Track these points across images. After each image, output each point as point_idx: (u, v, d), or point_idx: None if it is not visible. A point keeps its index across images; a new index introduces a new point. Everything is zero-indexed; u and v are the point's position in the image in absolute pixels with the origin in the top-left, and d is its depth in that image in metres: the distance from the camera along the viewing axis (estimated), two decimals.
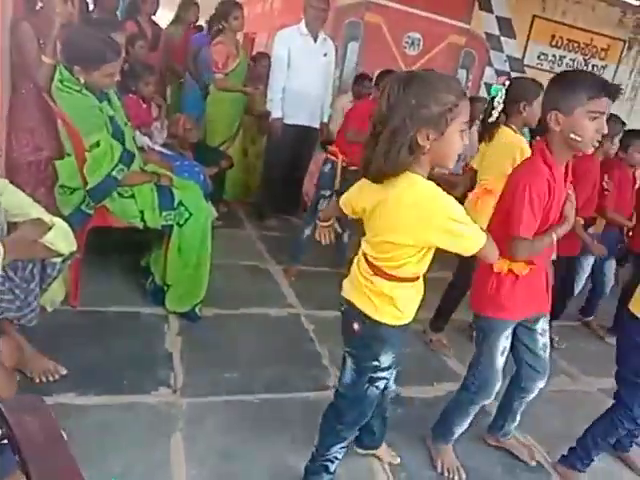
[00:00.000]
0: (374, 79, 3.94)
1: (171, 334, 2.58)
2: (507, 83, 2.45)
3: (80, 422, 1.87)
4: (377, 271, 1.50)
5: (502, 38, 5.76)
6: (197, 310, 2.71)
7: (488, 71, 5.82)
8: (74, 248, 1.96)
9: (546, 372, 2.01)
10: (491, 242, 1.46)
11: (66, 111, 2.40)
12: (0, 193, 1.82)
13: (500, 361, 1.91)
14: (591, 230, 3.20)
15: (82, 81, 2.38)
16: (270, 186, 4.46)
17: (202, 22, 5.23)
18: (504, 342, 1.89)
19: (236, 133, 4.47)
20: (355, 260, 1.61)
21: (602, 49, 6.15)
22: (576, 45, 6.04)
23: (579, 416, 2.26)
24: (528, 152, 2.39)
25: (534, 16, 5.80)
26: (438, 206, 1.37)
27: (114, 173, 2.45)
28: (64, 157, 2.50)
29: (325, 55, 4.12)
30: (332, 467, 1.75)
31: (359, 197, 1.56)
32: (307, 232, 3.42)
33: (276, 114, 4.09)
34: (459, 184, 2.99)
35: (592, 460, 2.09)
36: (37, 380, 2.04)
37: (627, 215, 3.40)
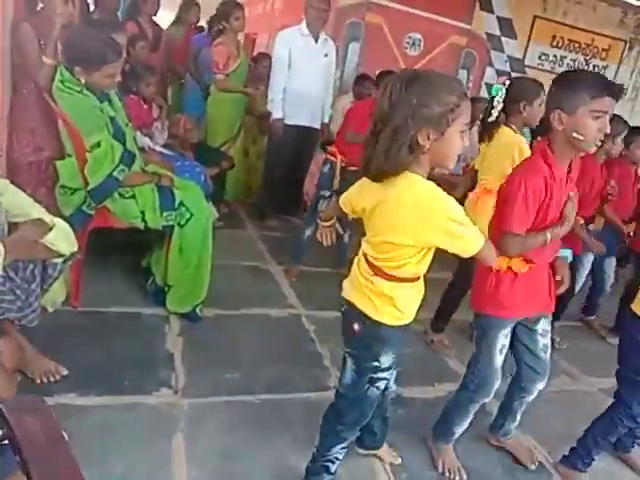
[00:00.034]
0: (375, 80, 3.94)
1: (172, 335, 2.58)
2: (507, 83, 2.44)
3: (81, 423, 1.87)
4: (377, 271, 1.50)
5: (503, 38, 5.76)
6: (198, 310, 2.71)
7: (489, 71, 5.81)
8: (75, 249, 1.96)
9: (546, 373, 2.01)
10: (490, 245, 1.47)
11: (67, 112, 2.40)
12: (1, 193, 1.82)
13: (499, 359, 1.91)
14: (591, 227, 3.20)
15: (83, 82, 2.38)
16: (271, 186, 4.46)
17: (203, 23, 5.23)
18: (503, 340, 1.89)
19: (237, 134, 4.48)
20: (355, 260, 1.61)
21: (603, 49, 6.14)
22: (577, 45, 6.04)
23: (580, 416, 2.26)
24: (527, 152, 2.39)
25: (535, 16, 5.79)
26: (438, 206, 1.37)
27: (115, 174, 2.45)
28: (65, 157, 2.50)
29: (326, 55, 4.12)
30: (333, 467, 1.75)
31: (359, 197, 1.56)
32: (308, 233, 3.42)
33: (277, 114, 4.09)
34: (459, 185, 2.99)
35: (593, 460, 2.09)
36: (38, 380, 2.05)
37: (627, 213, 3.40)
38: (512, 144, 2.47)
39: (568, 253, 1.79)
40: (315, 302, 3.15)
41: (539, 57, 5.95)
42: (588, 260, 3.28)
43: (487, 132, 2.57)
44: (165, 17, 5.40)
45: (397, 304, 1.51)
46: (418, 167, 1.39)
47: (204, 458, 1.87)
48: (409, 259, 1.45)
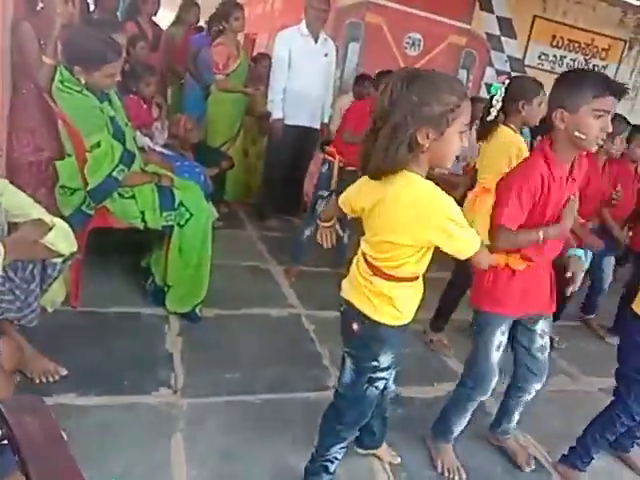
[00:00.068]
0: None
1: (172, 335, 2.58)
2: (506, 82, 2.44)
3: (80, 423, 1.87)
4: (376, 271, 1.50)
5: (503, 38, 5.76)
6: (198, 310, 2.71)
7: (489, 71, 5.81)
8: (74, 249, 1.96)
9: (543, 374, 2.01)
10: (485, 249, 1.47)
11: (67, 111, 2.40)
12: (0, 193, 1.82)
13: (495, 356, 1.91)
14: (589, 225, 3.19)
15: (83, 81, 2.38)
16: (271, 187, 4.46)
17: (203, 23, 5.24)
18: (499, 337, 1.89)
19: (237, 134, 4.48)
20: (354, 260, 1.61)
21: (603, 49, 6.14)
22: (577, 45, 6.04)
23: (579, 416, 2.26)
24: (525, 151, 2.40)
25: (535, 16, 5.80)
26: (437, 205, 1.37)
27: (115, 174, 2.45)
28: (65, 157, 2.50)
29: (326, 55, 4.12)
30: (332, 467, 1.75)
31: (358, 196, 1.56)
32: (307, 233, 3.42)
33: (277, 115, 4.09)
34: (460, 185, 2.99)
35: (592, 458, 2.09)
36: (37, 381, 2.05)
37: (627, 212, 3.40)
38: (510, 143, 2.47)
39: (581, 253, 1.77)
40: (315, 302, 3.15)
41: (539, 57, 5.95)
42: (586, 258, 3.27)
43: (486, 131, 2.57)
44: (165, 17, 5.40)
45: (396, 304, 1.51)
46: (417, 166, 1.39)
47: (203, 458, 1.87)
48: (408, 259, 1.46)
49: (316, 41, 4.03)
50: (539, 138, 3.43)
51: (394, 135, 1.32)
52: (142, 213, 2.57)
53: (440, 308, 2.95)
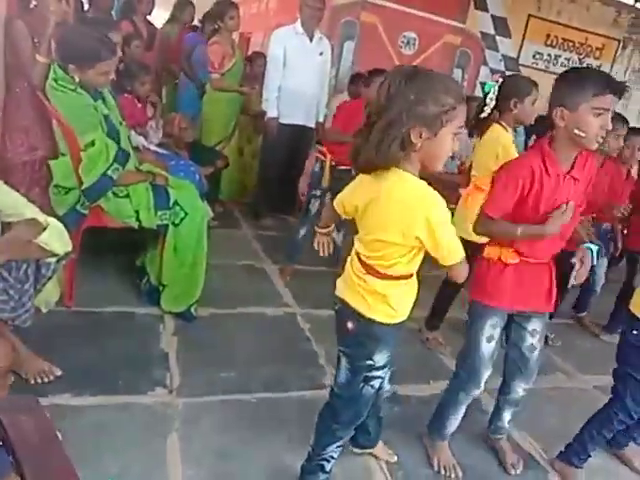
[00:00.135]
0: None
1: (167, 334, 2.57)
2: (500, 80, 2.46)
3: (75, 423, 1.87)
4: (369, 270, 1.51)
5: (497, 37, 5.77)
6: (193, 310, 2.70)
7: (483, 70, 5.82)
8: (69, 248, 1.95)
9: (530, 375, 2.01)
10: (465, 263, 1.47)
11: (61, 110, 2.39)
12: None
13: (486, 348, 1.92)
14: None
15: (77, 80, 2.37)
16: (266, 185, 4.45)
17: (197, 22, 5.22)
18: (490, 330, 1.90)
19: (232, 133, 4.47)
20: (349, 259, 1.62)
21: (597, 48, 6.17)
22: (571, 44, 6.06)
23: (575, 413, 2.27)
24: (510, 150, 2.41)
25: (529, 15, 5.82)
26: (427, 203, 1.38)
27: (109, 172, 2.44)
28: (59, 157, 2.49)
29: (321, 54, 4.11)
30: (328, 466, 1.75)
31: (352, 196, 1.56)
32: (302, 232, 3.42)
33: (272, 113, 4.09)
34: (460, 184, 2.99)
35: (589, 456, 2.10)
36: (32, 381, 2.03)
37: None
38: (496, 141, 2.49)
39: (595, 248, 1.76)
40: (310, 301, 3.15)
41: (533, 56, 5.97)
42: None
43: (478, 128, 2.59)
44: (160, 16, 5.38)
45: (390, 302, 1.51)
46: (409, 164, 1.39)
47: (199, 457, 1.86)
48: (399, 258, 1.46)
49: (311, 40, 4.03)
50: (534, 137, 3.45)
51: (388, 131, 1.32)
52: (137, 212, 2.56)
53: (435, 307, 2.95)
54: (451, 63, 5.61)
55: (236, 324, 2.80)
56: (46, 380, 2.06)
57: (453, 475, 2.02)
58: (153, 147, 3.32)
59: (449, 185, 3.22)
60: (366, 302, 1.52)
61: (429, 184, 1.40)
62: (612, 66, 6.26)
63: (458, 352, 2.05)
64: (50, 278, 1.96)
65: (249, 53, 5.49)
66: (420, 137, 1.34)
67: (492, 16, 5.66)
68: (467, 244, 2.45)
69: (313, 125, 4.28)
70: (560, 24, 5.93)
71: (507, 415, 2.13)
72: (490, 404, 2.26)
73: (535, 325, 1.95)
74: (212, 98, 4.27)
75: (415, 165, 1.41)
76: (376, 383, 1.65)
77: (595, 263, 1.76)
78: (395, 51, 5.36)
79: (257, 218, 4.48)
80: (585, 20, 5.96)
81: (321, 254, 1.86)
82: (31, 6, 2.65)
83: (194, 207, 2.66)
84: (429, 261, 1.53)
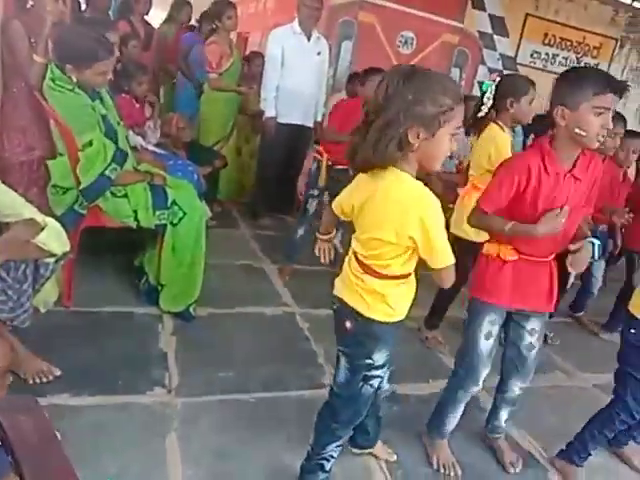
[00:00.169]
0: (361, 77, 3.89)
1: (165, 334, 2.57)
2: (497, 79, 2.46)
3: (74, 423, 1.86)
4: (367, 269, 1.51)
5: (495, 36, 5.78)
6: (191, 310, 2.70)
7: (481, 70, 5.83)
8: (67, 248, 1.95)
9: (526, 373, 2.01)
10: (452, 269, 1.46)
11: (58, 110, 2.38)
12: None
13: (484, 345, 1.92)
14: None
15: (74, 80, 2.37)
16: (264, 185, 4.45)
17: (194, 22, 5.22)
18: (488, 326, 1.91)
19: (230, 132, 4.47)
20: (347, 259, 1.62)
21: (594, 47, 6.18)
22: (569, 43, 6.07)
23: (575, 412, 2.27)
24: (504, 150, 2.41)
25: (527, 14, 5.82)
26: (423, 204, 1.38)
27: (107, 172, 2.44)
28: (56, 157, 2.48)
29: (319, 54, 4.11)
30: (328, 465, 1.75)
31: (350, 195, 1.56)
32: (300, 232, 3.43)
33: (270, 113, 4.08)
34: (458, 184, 2.99)
35: (589, 454, 2.10)
36: (31, 381, 2.03)
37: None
38: (491, 141, 2.49)
39: (595, 241, 1.76)
40: (309, 300, 3.15)
41: (531, 55, 5.97)
42: None
43: (476, 127, 2.59)
44: (157, 16, 5.38)
45: (388, 301, 1.51)
46: (406, 164, 1.39)
47: (198, 457, 1.86)
48: (396, 258, 1.46)
49: (309, 39, 4.03)
50: (532, 136, 3.45)
51: (385, 130, 1.33)
52: (135, 212, 2.55)
53: (435, 306, 2.95)
54: (449, 62, 5.61)
55: (235, 324, 2.79)
56: (45, 380, 2.05)
57: (452, 473, 2.02)
58: (151, 147, 3.31)
59: (447, 185, 3.23)
60: (364, 301, 1.52)
61: (425, 184, 1.40)
62: (610, 65, 6.26)
63: (457, 350, 2.05)
64: (48, 278, 1.95)
65: (247, 53, 5.48)
66: (418, 137, 1.34)
67: (490, 15, 5.67)
68: (467, 244, 2.48)
69: (311, 125, 4.28)
70: (558, 23, 5.93)
71: (504, 414, 2.13)
72: (488, 402, 2.25)
73: (534, 324, 1.95)
74: (210, 98, 4.27)
75: (413, 165, 1.41)
76: (375, 382, 1.65)
77: (595, 258, 1.76)
78: (393, 50, 5.36)
79: (255, 218, 4.48)
80: (583, 19, 5.97)
81: (322, 261, 1.86)
82: (28, 6, 2.64)
83: (192, 207, 2.66)
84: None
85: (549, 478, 2.14)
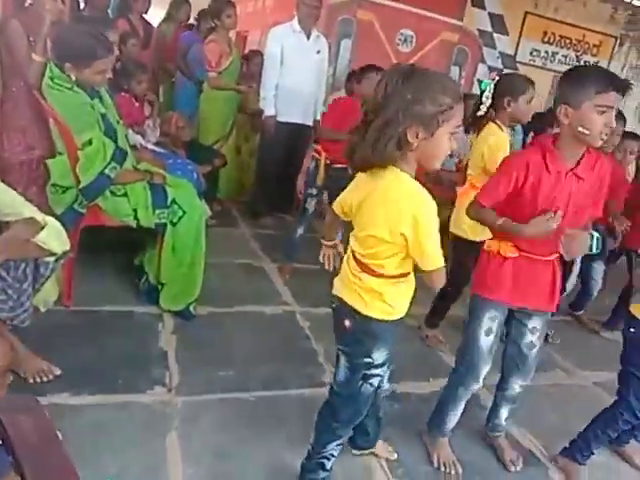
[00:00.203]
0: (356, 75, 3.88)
1: (166, 333, 2.57)
2: (496, 78, 2.46)
3: (74, 422, 1.86)
4: (365, 268, 1.51)
5: (494, 35, 5.78)
6: (191, 309, 2.70)
7: (481, 68, 5.83)
8: (67, 247, 1.94)
9: (527, 371, 2.01)
10: (443, 272, 1.46)
11: (57, 109, 2.38)
12: None
13: (484, 341, 1.92)
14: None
15: (73, 78, 2.36)
16: (264, 184, 4.44)
17: (193, 20, 5.21)
18: (488, 322, 1.91)
19: (229, 131, 4.47)
20: (345, 258, 1.62)
21: (594, 45, 6.18)
22: (568, 41, 6.07)
23: (575, 410, 2.27)
24: (498, 149, 2.41)
25: (526, 12, 5.82)
26: (416, 202, 1.38)
27: (107, 171, 2.43)
28: (56, 156, 2.48)
29: (318, 52, 4.11)
30: (328, 464, 1.75)
31: (349, 197, 1.56)
32: (300, 231, 3.43)
33: (269, 112, 4.08)
34: (457, 183, 2.99)
35: (592, 453, 2.10)
36: (31, 380, 2.03)
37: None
38: (486, 140, 2.49)
39: (596, 236, 1.75)
40: (309, 299, 3.15)
41: (530, 53, 5.97)
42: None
43: (475, 126, 2.59)
44: (156, 14, 5.37)
45: (386, 299, 1.51)
46: (405, 164, 1.39)
47: (199, 456, 1.86)
48: (392, 257, 1.46)
49: (308, 38, 4.02)
50: (532, 134, 3.45)
51: (384, 130, 1.32)
52: (134, 211, 2.55)
53: (436, 305, 2.94)
54: (448, 61, 5.61)
55: (235, 323, 2.79)
56: (45, 379, 2.05)
57: (453, 472, 2.02)
58: (150, 146, 3.31)
59: (447, 183, 3.23)
60: (362, 300, 1.52)
61: (424, 184, 1.40)
62: (609, 63, 6.26)
63: (457, 347, 2.05)
64: (48, 277, 1.95)
65: (246, 51, 5.47)
66: (417, 137, 1.34)
67: (489, 13, 5.66)
68: (466, 244, 2.48)
69: (311, 123, 4.27)
70: (557, 21, 5.93)
71: (504, 412, 2.13)
72: (489, 400, 2.26)
73: (535, 323, 1.95)
74: (209, 97, 4.26)
75: (412, 165, 1.41)
76: (375, 381, 1.65)
77: (594, 251, 1.76)
78: (392, 49, 5.35)
79: (255, 217, 4.47)
80: (582, 17, 5.97)
81: (327, 267, 1.85)
82: (26, 5, 2.63)
83: (192, 206, 2.65)
84: None
85: (549, 476, 2.14)
